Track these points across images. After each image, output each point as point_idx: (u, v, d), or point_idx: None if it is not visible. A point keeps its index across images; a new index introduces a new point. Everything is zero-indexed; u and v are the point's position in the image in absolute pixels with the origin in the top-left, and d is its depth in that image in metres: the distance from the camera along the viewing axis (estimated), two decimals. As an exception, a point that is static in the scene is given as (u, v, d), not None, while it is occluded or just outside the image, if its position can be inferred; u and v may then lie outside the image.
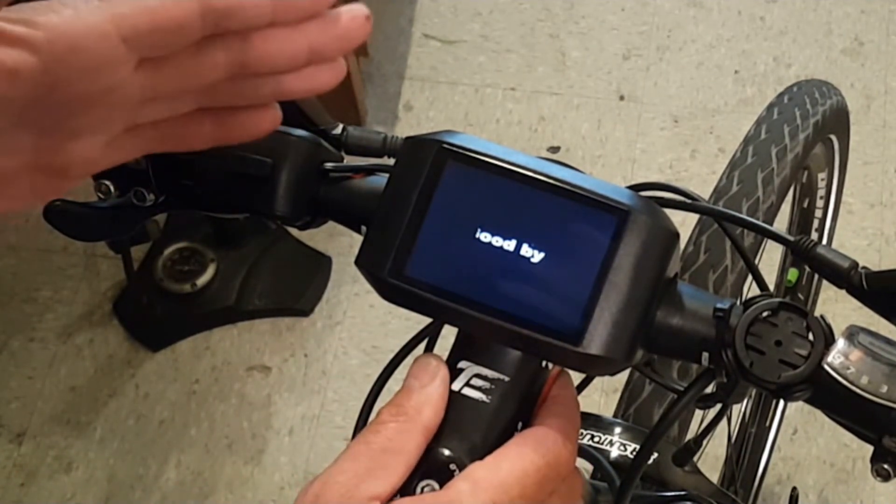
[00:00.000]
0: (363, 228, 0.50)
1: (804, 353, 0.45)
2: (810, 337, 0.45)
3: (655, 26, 2.07)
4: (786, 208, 1.21)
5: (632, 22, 2.07)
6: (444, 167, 0.46)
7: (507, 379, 0.46)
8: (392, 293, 0.47)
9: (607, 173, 1.88)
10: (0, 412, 1.69)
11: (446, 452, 0.45)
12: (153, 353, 1.74)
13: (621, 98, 1.98)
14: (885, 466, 0.44)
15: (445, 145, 0.46)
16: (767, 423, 1.38)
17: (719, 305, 0.47)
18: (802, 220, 1.28)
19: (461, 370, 0.46)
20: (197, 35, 0.40)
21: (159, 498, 1.62)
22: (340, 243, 1.81)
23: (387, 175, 0.48)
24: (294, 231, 1.80)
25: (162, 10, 0.38)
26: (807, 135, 1.04)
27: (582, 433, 0.80)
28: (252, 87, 0.44)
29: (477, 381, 0.46)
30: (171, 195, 0.53)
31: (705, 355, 0.47)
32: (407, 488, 0.43)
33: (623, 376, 0.84)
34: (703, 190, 0.88)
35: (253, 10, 0.41)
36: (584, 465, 0.77)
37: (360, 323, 1.75)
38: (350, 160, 0.54)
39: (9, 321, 1.77)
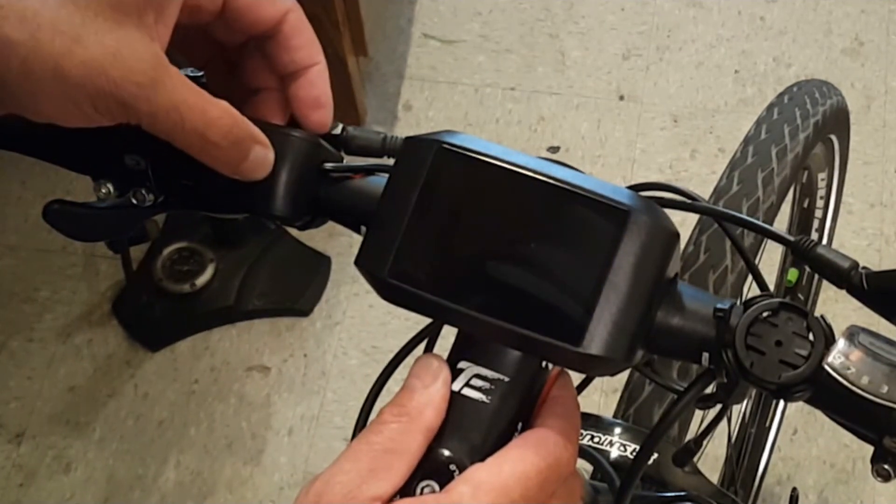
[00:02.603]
0: (363, 229, 0.50)
1: (804, 353, 0.45)
2: (810, 337, 0.45)
3: (655, 26, 2.07)
4: (786, 208, 1.21)
5: (632, 22, 2.07)
6: (444, 167, 0.46)
7: (506, 379, 0.46)
8: (392, 293, 0.46)
9: (607, 173, 1.88)
10: (-1, 412, 1.70)
11: (446, 453, 0.45)
12: (152, 354, 1.74)
13: (621, 98, 1.98)
14: (886, 467, 0.44)
15: (445, 145, 0.46)
16: (767, 424, 1.38)
17: (719, 306, 0.46)
18: (802, 220, 1.28)
19: (461, 370, 0.46)
20: None
21: (158, 498, 1.62)
22: (340, 243, 1.81)
23: (386, 175, 0.48)
24: (293, 231, 1.79)
25: None
26: (807, 135, 1.04)
27: (582, 433, 0.80)
28: None
29: (477, 382, 0.46)
30: (170, 195, 0.53)
31: (705, 355, 0.47)
32: (407, 488, 0.43)
33: (623, 377, 0.84)
34: (703, 190, 0.88)
35: None
36: (584, 466, 0.77)
37: (359, 323, 1.75)
38: (350, 160, 0.54)
39: (8, 321, 1.77)
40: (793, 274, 1.34)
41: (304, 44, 0.51)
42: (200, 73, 0.53)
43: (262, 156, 0.49)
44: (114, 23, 0.44)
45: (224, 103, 0.47)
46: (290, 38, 0.51)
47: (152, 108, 0.45)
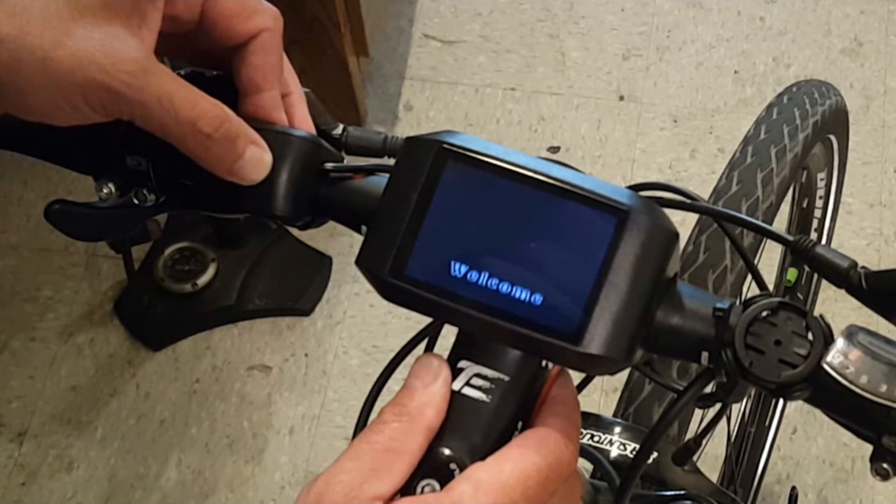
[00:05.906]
0: (363, 228, 0.50)
1: (803, 352, 0.45)
2: (810, 336, 0.45)
3: (655, 26, 2.07)
4: (785, 208, 1.21)
5: (631, 22, 2.07)
6: (445, 167, 0.46)
7: (507, 378, 0.46)
8: (392, 293, 0.47)
9: (607, 173, 1.88)
10: (1, 412, 1.70)
11: (447, 452, 0.45)
12: (154, 353, 1.74)
13: (621, 98, 1.98)
14: (885, 465, 0.44)
15: (446, 145, 0.46)
16: (767, 423, 1.38)
17: (719, 305, 0.47)
18: (802, 219, 1.28)
19: (461, 370, 0.46)
20: None
21: (160, 497, 1.62)
22: (340, 243, 1.81)
23: (387, 175, 0.48)
24: (294, 231, 1.80)
25: None
26: (806, 135, 1.04)
27: (582, 432, 0.80)
28: None
29: (477, 381, 0.46)
30: (171, 195, 0.53)
31: (705, 355, 0.47)
32: (408, 488, 0.43)
33: (623, 376, 0.84)
34: (703, 190, 0.88)
35: None
36: (584, 465, 0.77)
37: (360, 322, 1.76)
38: (350, 160, 0.54)
39: (10, 321, 1.78)
40: (792, 273, 1.34)
41: (262, 64, 0.51)
42: (190, 71, 0.53)
43: (258, 156, 0.49)
44: (102, 19, 0.45)
45: (215, 100, 0.47)
46: (252, 55, 0.51)
47: (144, 97, 0.45)
